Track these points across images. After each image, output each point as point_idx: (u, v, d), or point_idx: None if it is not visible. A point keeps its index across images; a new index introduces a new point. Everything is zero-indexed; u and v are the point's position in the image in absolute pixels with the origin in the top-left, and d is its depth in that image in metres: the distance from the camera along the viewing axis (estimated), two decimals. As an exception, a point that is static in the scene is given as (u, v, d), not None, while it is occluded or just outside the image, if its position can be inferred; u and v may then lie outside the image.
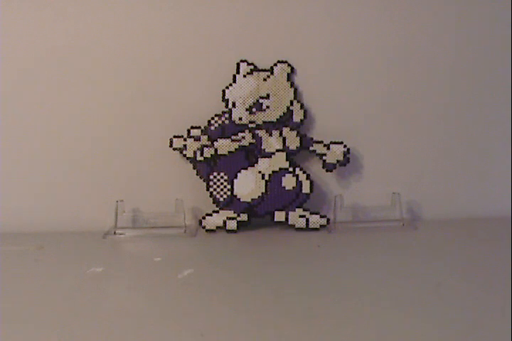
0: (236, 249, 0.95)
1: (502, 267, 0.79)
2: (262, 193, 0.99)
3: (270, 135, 1.00)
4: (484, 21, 1.02)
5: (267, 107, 0.99)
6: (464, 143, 1.05)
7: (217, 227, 1.00)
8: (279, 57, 1.00)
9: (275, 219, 1.00)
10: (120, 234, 0.99)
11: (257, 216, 1.01)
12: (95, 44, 1.01)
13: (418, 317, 0.64)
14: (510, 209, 1.03)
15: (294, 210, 1.00)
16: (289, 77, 1.00)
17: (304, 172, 1.00)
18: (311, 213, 1.00)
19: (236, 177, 0.99)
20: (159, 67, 1.01)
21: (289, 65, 1.00)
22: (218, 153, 0.99)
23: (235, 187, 0.99)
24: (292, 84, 1.00)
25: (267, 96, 0.99)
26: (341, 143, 1.01)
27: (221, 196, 1.00)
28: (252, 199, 0.99)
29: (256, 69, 1.00)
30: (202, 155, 0.99)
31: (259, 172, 0.99)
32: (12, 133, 1.02)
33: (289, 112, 1.00)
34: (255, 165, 1.00)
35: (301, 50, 1.01)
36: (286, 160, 0.99)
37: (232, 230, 1.00)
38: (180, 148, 1.00)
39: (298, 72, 1.01)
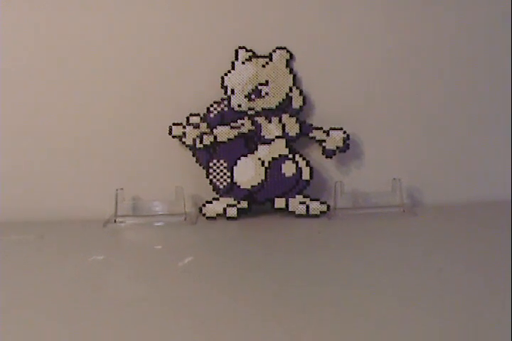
0: (236, 236, 0.95)
1: (503, 252, 0.79)
2: (262, 180, 0.99)
3: (269, 122, 0.99)
4: (484, 19, 1.02)
5: (266, 94, 0.99)
6: (464, 129, 1.05)
7: (218, 214, 1.00)
8: (278, 44, 1.00)
9: (275, 206, 1.00)
10: (120, 222, 0.99)
11: (257, 203, 1.00)
12: (94, 31, 1.00)
13: (419, 303, 0.64)
14: (511, 193, 1.03)
15: (294, 197, 1.00)
16: (287, 64, 1.00)
17: (304, 159, 0.99)
18: (312, 200, 1.00)
19: (236, 164, 0.99)
20: (158, 54, 1.01)
21: (287, 51, 1.00)
22: (218, 140, 0.99)
23: (234, 174, 0.99)
24: (291, 71, 1.00)
25: (266, 83, 0.99)
26: (341, 129, 1.00)
27: (221, 183, 1.00)
28: (252, 186, 0.99)
29: (255, 55, 0.99)
30: (201, 142, 0.99)
31: (259, 159, 0.99)
32: (13, 121, 1.02)
33: (288, 99, 0.99)
34: (255, 152, 0.99)
35: (300, 36, 1.01)
36: (286, 146, 0.99)
37: (233, 217, 1.00)
38: (179, 136, 1.00)
39: (297, 58, 1.01)
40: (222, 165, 1.00)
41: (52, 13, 0.99)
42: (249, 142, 1.00)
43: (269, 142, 0.99)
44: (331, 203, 1.00)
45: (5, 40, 1.00)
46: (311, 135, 1.00)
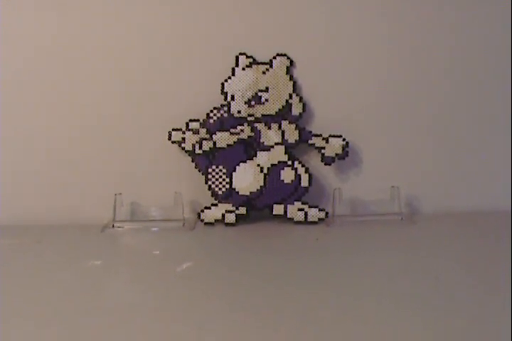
0: (234, 242, 0.95)
1: (501, 261, 0.78)
2: (261, 186, 0.99)
3: (269, 128, 0.99)
4: (484, 19, 1.02)
5: (266, 100, 0.99)
6: (463, 137, 1.05)
7: (216, 220, 1.00)
8: (278, 50, 1.00)
9: (274, 213, 1.00)
10: (118, 228, 0.98)
11: (255, 209, 1.00)
12: (94, 35, 1.00)
13: (417, 311, 0.64)
14: (511, 203, 1.03)
15: (293, 203, 1.00)
16: (288, 70, 1.00)
17: (303, 166, 0.99)
18: (310, 206, 1.00)
19: (235, 170, 0.99)
20: (158, 59, 1.01)
21: (288, 58, 1.00)
22: (217, 146, 0.99)
23: (233, 180, 0.99)
24: (291, 78, 1.00)
25: (266, 90, 0.99)
26: (340, 136, 1.00)
27: (220, 189, 1.00)
28: (250, 193, 0.99)
29: (255, 62, 1.00)
30: (201, 148, 0.99)
31: (258, 165, 0.99)
32: (12, 126, 1.02)
33: (288, 105, 1.00)
34: (254, 158, 0.99)
35: (300, 43, 1.01)
36: (285, 153, 0.99)
37: (231, 223, 1.00)
38: (179, 141, 1.00)
39: (297, 65, 1.01)
40: (221, 171, 1.00)
41: (52, 13, 0.99)
42: (249, 148, 1.00)
43: (268, 148, 0.99)
44: (330, 210, 1.00)
45: (5, 40, 1.00)
46: (310, 142, 1.00)
